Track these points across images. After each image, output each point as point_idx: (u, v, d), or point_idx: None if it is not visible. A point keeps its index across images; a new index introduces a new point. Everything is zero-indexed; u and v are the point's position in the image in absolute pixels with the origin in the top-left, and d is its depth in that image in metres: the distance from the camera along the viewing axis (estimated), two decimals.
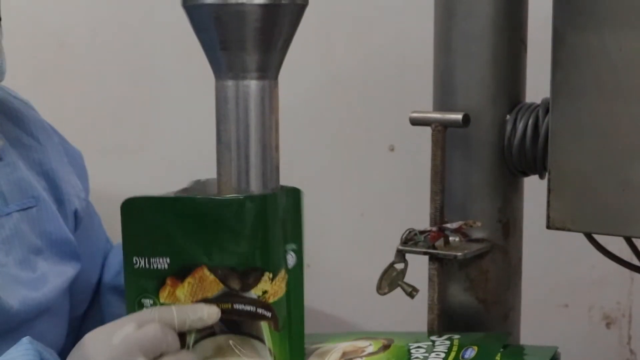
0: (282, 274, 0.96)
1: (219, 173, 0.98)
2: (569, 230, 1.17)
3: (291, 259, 0.97)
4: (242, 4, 0.91)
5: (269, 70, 0.95)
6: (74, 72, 2.08)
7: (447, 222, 1.23)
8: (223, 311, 0.96)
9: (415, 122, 1.25)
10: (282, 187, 0.99)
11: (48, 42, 2.08)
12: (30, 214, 1.21)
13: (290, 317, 0.97)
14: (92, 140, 1.93)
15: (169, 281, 0.97)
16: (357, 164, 1.91)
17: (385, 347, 1.12)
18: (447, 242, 1.23)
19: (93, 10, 2.05)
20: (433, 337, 1.16)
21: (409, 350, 1.11)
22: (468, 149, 1.25)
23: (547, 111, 1.19)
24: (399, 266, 1.24)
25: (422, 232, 1.23)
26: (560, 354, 1.17)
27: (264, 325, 0.96)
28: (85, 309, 1.37)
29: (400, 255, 1.24)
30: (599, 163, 1.14)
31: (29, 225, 1.20)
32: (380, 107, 1.86)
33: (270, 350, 0.96)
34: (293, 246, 0.97)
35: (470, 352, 1.10)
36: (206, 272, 0.96)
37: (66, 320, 1.27)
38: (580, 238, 1.24)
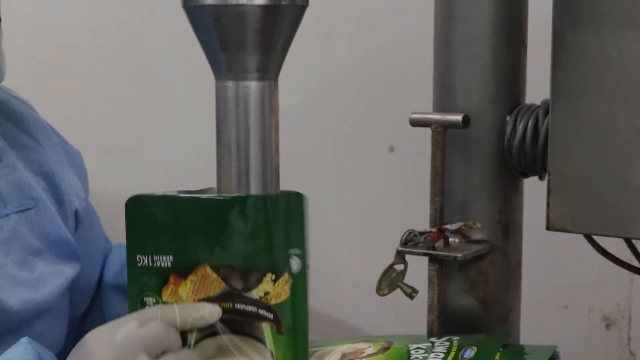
0: (286, 277, 0.96)
1: (218, 174, 0.98)
2: (569, 231, 1.17)
3: (295, 264, 0.97)
4: (243, 5, 0.91)
5: (269, 71, 0.95)
6: (74, 72, 2.08)
7: (446, 223, 1.23)
8: (224, 310, 0.96)
9: (415, 123, 1.25)
10: (285, 191, 0.99)
11: (48, 42, 2.08)
12: (29, 215, 1.21)
13: (294, 322, 0.97)
14: (92, 140, 1.93)
15: (171, 279, 0.97)
16: (357, 164, 1.91)
17: (385, 349, 1.13)
18: (446, 243, 1.23)
19: (93, 10, 2.05)
20: (432, 339, 1.16)
21: (408, 351, 1.12)
22: (468, 150, 1.25)
23: (547, 112, 1.19)
24: (399, 267, 1.24)
25: (422, 233, 1.23)
26: (560, 355, 1.17)
27: (265, 327, 0.96)
28: (86, 309, 1.37)
29: (400, 256, 1.24)
30: (599, 164, 1.14)
31: (28, 226, 1.20)
32: (380, 108, 1.86)
33: (271, 352, 0.96)
34: (297, 251, 0.97)
35: (470, 352, 1.10)
36: (208, 270, 0.96)
37: (66, 321, 1.27)
38: (580, 239, 1.24)
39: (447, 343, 1.13)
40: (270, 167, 0.97)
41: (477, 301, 1.27)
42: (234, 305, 0.96)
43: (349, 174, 1.92)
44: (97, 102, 2.06)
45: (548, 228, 1.18)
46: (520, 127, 1.22)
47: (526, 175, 1.27)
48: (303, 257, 0.97)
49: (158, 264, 0.97)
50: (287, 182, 1.02)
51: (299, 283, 0.97)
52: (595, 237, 1.24)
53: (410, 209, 1.50)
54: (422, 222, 1.25)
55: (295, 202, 0.97)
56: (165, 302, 0.97)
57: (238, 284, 0.96)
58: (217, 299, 0.96)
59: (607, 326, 1.83)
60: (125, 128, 2.06)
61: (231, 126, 0.96)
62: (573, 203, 1.16)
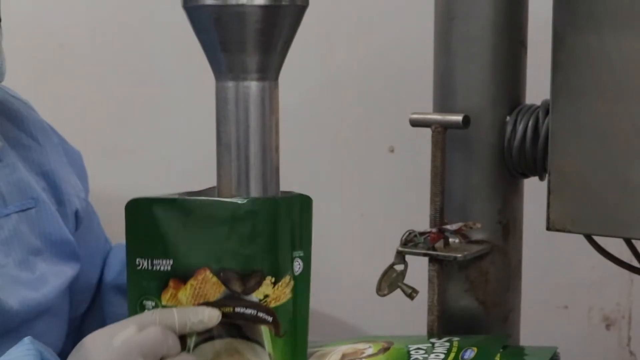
0: (287, 279, 0.96)
1: (218, 174, 0.98)
2: (569, 231, 1.17)
3: (298, 266, 0.97)
4: (243, 5, 0.91)
5: (269, 71, 0.95)
6: (74, 72, 2.08)
7: (447, 224, 1.23)
8: (224, 314, 0.96)
9: (415, 123, 1.25)
10: (291, 193, 0.99)
11: (48, 42, 2.08)
12: (29, 215, 1.21)
13: (295, 324, 0.97)
14: (92, 140, 1.93)
15: (171, 283, 0.97)
16: (357, 165, 1.91)
17: (385, 349, 1.13)
18: (447, 243, 1.23)
19: (93, 10, 2.05)
20: (432, 339, 1.16)
21: (408, 351, 1.11)
22: (468, 150, 1.25)
23: (547, 112, 1.19)
24: (399, 267, 1.24)
25: (422, 234, 1.23)
26: (560, 355, 1.17)
27: (264, 330, 0.96)
28: (86, 309, 1.37)
29: (400, 256, 1.24)
30: (599, 164, 1.14)
31: (28, 226, 1.20)
32: (380, 108, 1.86)
33: (270, 355, 0.96)
34: (300, 253, 0.97)
35: (470, 353, 1.10)
36: (209, 274, 0.96)
37: (66, 321, 1.27)
38: (580, 239, 1.24)
39: (447, 344, 1.13)
40: (270, 167, 0.97)
41: (477, 301, 1.27)
42: (234, 309, 0.96)
43: (349, 174, 1.92)
44: (97, 102, 2.06)
45: (548, 228, 1.18)
46: (520, 128, 1.22)
47: (526, 176, 1.27)
48: (306, 259, 0.97)
49: (158, 268, 0.97)
50: (287, 182, 1.02)
51: (301, 285, 0.97)
52: (596, 237, 1.24)
53: (410, 209, 1.50)
54: (422, 222, 1.25)
55: (302, 205, 0.97)
56: (164, 306, 0.97)
57: (238, 287, 0.96)
58: (217, 303, 0.96)
59: (607, 326, 1.83)
60: (125, 128, 2.06)
61: (231, 126, 0.96)
62: (573, 203, 1.16)
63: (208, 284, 0.96)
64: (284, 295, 0.96)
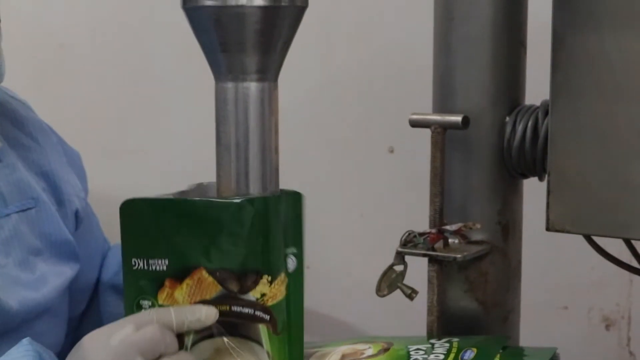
0: (282, 277, 0.96)
1: (218, 175, 0.98)
2: (569, 232, 1.17)
3: (291, 263, 0.97)
4: (242, 6, 0.91)
5: (268, 72, 0.95)
6: (74, 72, 2.08)
7: (446, 224, 1.23)
8: (221, 313, 0.96)
9: (414, 124, 1.25)
10: (283, 190, 0.99)
11: (48, 43, 2.08)
12: (29, 215, 1.21)
13: (289, 321, 0.97)
14: (92, 140, 1.94)
15: (167, 283, 0.97)
16: (357, 165, 1.91)
17: (385, 350, 1.13)
18: (446, 244, 1.23)
19: (93, 10, 2.05)
20: (432, 340, 1.16)
21: (408, 352, 1.12)
22: (467, 151, 1.25)
23: (546, 113, 1.19)
24: (399, 268, 1.24)
25: (421, 234, 1.23)
26: (559, 356, 1.17)
27: (262, 328, 0.96)
28: (84, 309, 1.37)
29: (400, 257, 1.24)
30: (599, 165, 1.14)
31: (28, 226, 1.20)
32: (379, 109, 1.86)
33: (268, 353, 0.96)
34: (293, 250, 0.97)
35: (470, 353, 1.10)
36: (204, 273, 0.96)
37: (65, 321, 1.27)
38: (579, 240, 1.24)
39: (447, 344, 1.13)
40: (270, 167, 0.97)
41: (477, 302, 1.27)
42: (230, 307, 0.96)
43: (348, 175, 1.92)
44: (97, 102, 2.06)
45: (548, 229, 1.18)
46: (519, 128, 1.22)
47: (526, 176, 1.27)
48: (299, 256, 0.97)
49: (154, 268, 0.97)
50: (287, 183, 1.02)
51: (295, 282, 0.97)
52: (595, 238, 1.24)
53: (410, 210, 1.50)
54: (421, 222, 1.25)
55: (293, 201, 0.97)
56: (161, 306, 0.97)
57: (234, 287, 0.96)
58: (213, 302, 0.96)
59: (607, 327, 1.83)
60: (125, 129, 2.06)
61: (231, 127, 0.96)
62: (573, 204, 1.16)
63: (204, 283, 0.96)
64: (280, 293, 0.96)
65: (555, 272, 1.80)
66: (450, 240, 1.23)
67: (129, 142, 2.06)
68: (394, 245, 1.24)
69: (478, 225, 1.23)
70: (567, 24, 1.14)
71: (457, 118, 1.21)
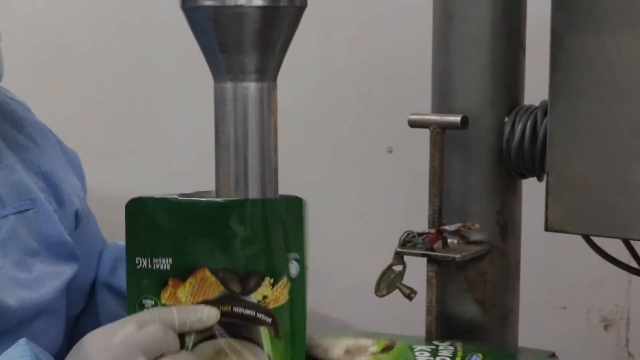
0: (284, 281, 0.96)
1: (217, 174, 0.98)
2: (567, 232, 1.17)
3: (294, 268, 0.97)
4: (241, 6, 0.91)
5: (267, 72, 0.95)
6: (74, 72, 2.08)
7: (445, 224, 1.23)
8: (223, 313, 0.96)
9: (413, 124, 1.25)
10: (284, 195, 0.99)
11: (48, 43, 2.08)
12: (27, 216, 1.21)
13: (292, 326, 0.97)
14: (92, 140, 1.94)
15: (170, 282, 0.97)
16: (356, 165, 1.91)
17: (389, 348, 1.12)
18: (445, 244, 1.23)
19: (93, 10, 2.05)
20: (435, 342, 1.16)
21: (412, 350, 1.11)
22: (466, 151, 1.25)
23: (545, 113, 1.19)
24: (397, 268, 1.24)
25: (420, 234, 1.23)
26: (558, 356, 1.17)
27: (263, 331, 0.96)
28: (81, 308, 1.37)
29: (399, 257, 1.24)
30: (598, 165, 1.14)
31: (26, 227, 1.20)
32: (378, 109, 1.86)
33: (269, 356, 0.96)
34: (295, 255, 0.97)
35: (476, 358, 1.10)
36: (207, 273, 0.96)
37: (63, 321, 1.27)
38: (578, 240, 1.24)
39: (452, 347, 1.13)
40: (269, 167, 0.98)
41: (476, 302, 1.27)
42: (232, 308, 0.96)
43: (347, 175, 1.92)
44: (97, 102, 2.06)
45: (547, 229, 1.18)
46: (518, 128, 1.22)
47: (525, 176, 1.27)
48: (302, 262, 0.97)
49: (157, 267, 0.97)
50: (286, 183, 1.02)
51: (298, 287, 0.97)
52: (594, 238, 1.24)
53: (409, 210, 1.50)
54: (420, 223, 1.25)
55: (294, 207, 0.97)
56: (164, 305, 0.97)
57: (237, 288, 0.96)
58: (215, 302, 0.96)
59: (606, 327, 1.83)
60: (125, 129, 2.06)
61: (230, 127, 0.96)
62: (571, 204, 1.16)
63: (207, 283, 0.96)
64: (282, 297, 0.96)
65: (554, 272, 1.80)
66: (449, 241, 1.23)
67: (129, 141, 2.06)
68: (393, 245, 1.24)
69: (477, 226, 1.23)
70: (566, 24, 1.14)
71: (456, 118, 1.21)
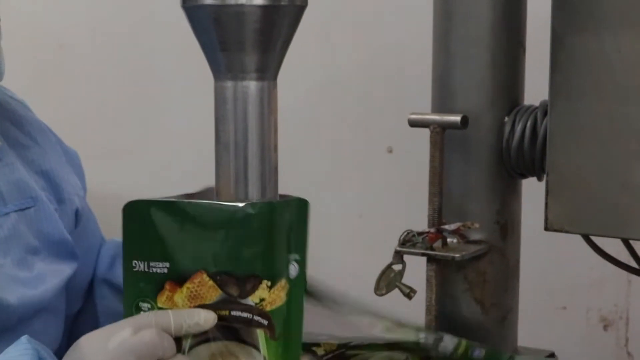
0: (282, 283, 0.96)
1: (217, 173, 0.98)
2: (567, 232, 1.17)
3: (293, 270, 0.96)
4: (242, 5, 0.91)
5: (268, 71, 0.95)
6: (74, 72, 2.08)
7: (445, 224, 1.23)
8: (220, 317, 0.96)
9: (413, 123, 1.26)
10: (289, 197, 0.98)
11: (48, 42, 2.08)
12: (28, 214, 1.21)
13: (289, 327, 0.97)
14: (92, 140, 1.94)
15: (167, 286, 0.96)
16: (356, 165, 1.91)
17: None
18: (445, 243, 1.23)
19: (93, 10, 2.06)
20: (440, 333, 1.15)
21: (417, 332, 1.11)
22: (466, 150, 1.25)
23: (545, 113, 1.19)
24: (397, 267, 1.24)
25: (420, 234, 1.23)
26: (558, 356, 1.17)
27: (259, 333, 0.96)
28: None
29: (398, 256, 1.24)
30: (597, 165, 1.14)
31: (27, 225, 1.20)
32: (379, 109, 1.87)
33: (265, 358, 0.96)
34: (296, 257, 0.96)
35: (479, 352, 1.10)
36: (205, 277, 0.95)
37: (63, 319, 1.27)
38: (578, 240, 1.24)
39: (456, 339, 1.13)
40: (269, 167, 0.97)
41: (475, 301, 1.27)
42: (229, 312, 0.96)
43: (347, 175, 1.92)
44: (96, 102, 2.07)
45: (546, 228, 1.18)
46: (518, 128, 1.23)
47: (524, 176, 1.27)
48: (302, 263, 0.96)
49: (154, 270, 0.96)
50: (286, 182, 1.02)
51: (296, 288, 0.97)
52: (594, 238, 1.24)
53: (409, 210, 1.50)
54: (420, 222, 1.26)
55: (299, 208, 0.96)
56: (160, 308, 0.96)
57: (234, 291, 0.95)
58: (213, 306, 0.96)
59: (605, 327, 1.84)
60: (125, 128, 2.07)
61: (230, 126, 0.96)
62: (571, 204, 1.16)
63: (204, 287, 0.95)
64: (280, 299, 0.96)
65: (553, 272, 1.80)
66: (448, 240, 1.23)
67: (129, 141, 2.06)
68: (393, 244, 1.24)
69: (477, 225, 1.23)
70: (567, 24, 1.14)
71: (456, 118, 1.21)
